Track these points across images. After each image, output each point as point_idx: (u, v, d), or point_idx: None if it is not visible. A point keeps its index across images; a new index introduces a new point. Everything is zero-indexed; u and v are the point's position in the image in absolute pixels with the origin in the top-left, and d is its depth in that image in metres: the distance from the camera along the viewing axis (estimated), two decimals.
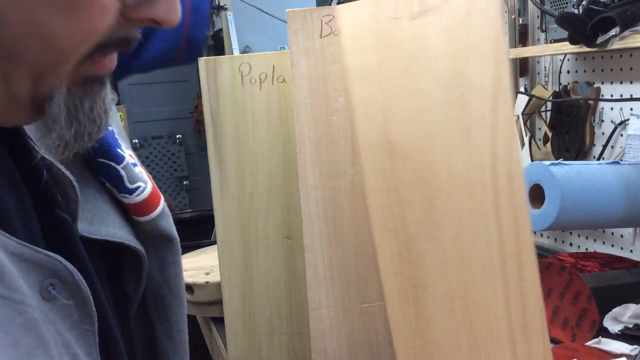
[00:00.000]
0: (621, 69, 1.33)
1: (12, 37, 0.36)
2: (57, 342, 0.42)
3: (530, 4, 1.55)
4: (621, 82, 1.34)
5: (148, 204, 0.56)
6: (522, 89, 1.60)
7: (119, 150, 0.55)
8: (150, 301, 0.58)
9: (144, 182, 0.57)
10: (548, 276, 1.16)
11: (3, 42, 0.36)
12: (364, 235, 0.91)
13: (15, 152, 0.45)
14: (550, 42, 1.41)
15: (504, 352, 0.82)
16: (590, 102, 1.39)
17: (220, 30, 4.75)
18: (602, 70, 1.38)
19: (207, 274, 1.34)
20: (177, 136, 5.37)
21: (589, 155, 1.44)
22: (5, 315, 0.38)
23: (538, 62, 1.60)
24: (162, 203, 0.58)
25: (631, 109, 1.30)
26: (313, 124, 0.91)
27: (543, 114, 1.53)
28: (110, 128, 0.54)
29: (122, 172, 0.54)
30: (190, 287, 1.31)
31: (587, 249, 1.49)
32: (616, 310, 1.12)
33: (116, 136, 0.56)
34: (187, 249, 1.60)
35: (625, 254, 1.37)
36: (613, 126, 1.35)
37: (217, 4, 4.73)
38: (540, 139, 1.57)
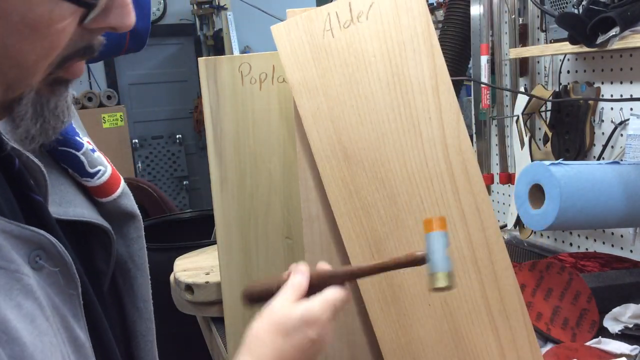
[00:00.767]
0: (621, 69, 1.33)
1: None
2: (49, 305, 0.48)
3: (530, 4, 1.55)
4: (621, 82, 1.34)
5: (109, 186, 0.61)
6: (522, 89, 1.61)
7: (77, 138, 0.60)
8: (118, 275, 0.64)
9: (104, 166, 0.61)
10: (548, 276, 1.16)
11: None
12: None
13: None
14: (550, 42, 1.41)
15: (488, 339, 0.82)
16: (590, 102, 1.39)
17: (220, 30, 4.76)
18: (602, 70, 1.38)
19: (207, 274, 1.34)
20: (177, 136, 5.37)
21: (589, 155, 1.44)
22: (5, 282, 0.45)
23: (538, 62, 1.60)
24: (123, 184, 0.63)
25: (631, 109, 1.30)
26: None
27: (543, 114, 1.53)
28: None
29: (82, 158, 0.60)
30: (190, 287, 1.31)
31: (587, 249, 1.49)
32: (616, 310, 1.12)
33: (73, 125, 0.61)
34: (187, 249, 1.60)
35: (625, 254, 1.37)
36: (613, 126, 1.35)
37: (217, 4, 4.73)
38: (540, 139, 1.57)
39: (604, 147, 1.38)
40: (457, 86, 1.93)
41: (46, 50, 0.44)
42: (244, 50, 4.93)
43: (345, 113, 0.87)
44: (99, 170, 0.61)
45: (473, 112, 1.78)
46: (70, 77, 0.49)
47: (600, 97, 1.39)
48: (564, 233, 1.58)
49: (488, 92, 1.66)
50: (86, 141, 0.62)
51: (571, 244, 1.56)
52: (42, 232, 0.50)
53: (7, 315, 0.44)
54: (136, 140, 5.18)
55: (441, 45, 1.89)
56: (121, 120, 4.29)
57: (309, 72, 0.88)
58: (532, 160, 1.51)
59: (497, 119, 1.71)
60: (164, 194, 3.43)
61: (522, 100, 1.54)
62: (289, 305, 0.67)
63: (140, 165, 5.19)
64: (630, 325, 1.08)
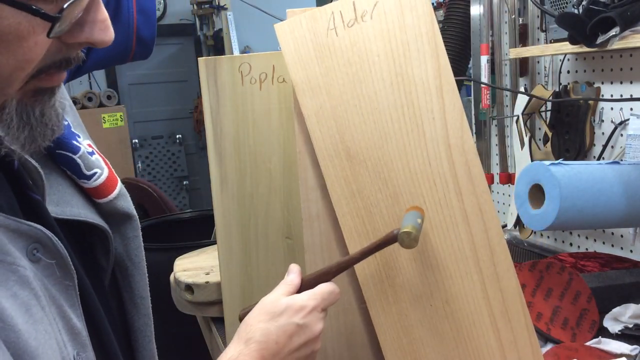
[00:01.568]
0: (621, 69, 1.33)
1: None
2: (45, 295, 0.51)
3: (530, 4, 1.55)
4: (621, 82, 1.34)
5: (105, 187, 0.64)
6: (522, 89, 1.61)
7: (74, 142, 0.62)
8: (117, 272, 0.67)
9: (100, 169, 0.64)
10: (548, 276, 1.16)
11: None
12: None
13: None
14: (550, 42, 1.41)
15: (489, 340, 0.82)
16: (590, 102, 1.39)
17: (220, 30, 4.75)
18: (602, 70, 1.38)
19: (207, 274, 1.34)
20: (177, 136, 5.37)
21: (589, 155, 1.44)
22: (2, 274, 0.48)
23: (538, 62, 1.60)
24: (120, 186, 0.66)
25: (631, 109, 1.30)
26: None
27: (543, 114, 1.53)
28: (65, 122, 0.62)
29: (79, 161, 0.62)
30: (190, 287, 1.31)
31: (587, 249, 1.49)
32: (616, 310, 1.12)
33: (72, 129, 0.64)
34: (187, 249, 1.59)
35: (625, 254, 1.37)
36: (613, 126, 1.35)
37: (217, 4, 4.73)
38: (540, 139, 1.57)
39: (604, 147, 1.38)
40: (457, 86, 1.93)
41: (21, 62, 0.46)
42: (244, 50, 4.93)
43: (349, 112, 0.86)
44: (96, 173, 0.63)
45: (473, 112, 1.78)
46: (49, 85, 0.51)
47: (600, 97, 1.39)
48: (564, 233, 1.58)
49: (488, 92, 1.66)
50: (86, 144, 0.64)
51: (571, 244, 1.56)
52: (38, 226, 0.52)
53: (2, 304, 0.46)
54: (136, 140, 5.18)
55: None
56: (121, 120, 4.29)
57: (312, 70, 0.88)
58: (532, 160, 1.51)
59: (497, 119, 1.71)
60: (164, 194, 3.43)
61: (522, 100, 1.54)
62: (278, 297, 0.73)
63: (140, 165, 5.19)
64: (630, 325, 1.08)
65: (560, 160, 1.09)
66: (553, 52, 1.39)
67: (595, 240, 1.47)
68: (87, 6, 0.48)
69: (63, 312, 0.53)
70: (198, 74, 1.14)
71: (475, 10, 1.70)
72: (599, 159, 1.40)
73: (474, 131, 1.77)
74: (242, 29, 4.81)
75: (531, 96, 1.49)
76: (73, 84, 4.42)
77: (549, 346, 1.06)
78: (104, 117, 4.21)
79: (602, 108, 1.38)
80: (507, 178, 1.71)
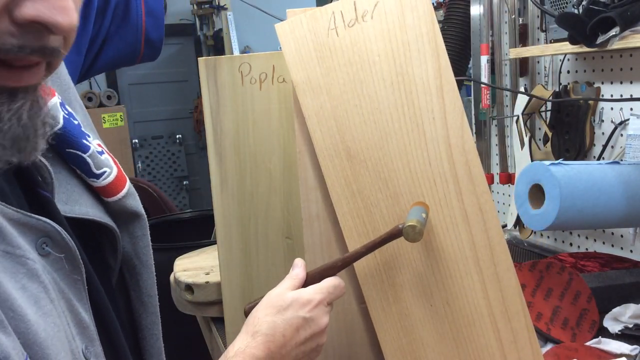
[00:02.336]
0: (621, 69, 1.33)
1: None
2: (54, 289, 0.52)
3: (530, 4, 1.55)
4: (621, 82, 1.34)
5: (114, 186, 0.64)
6: (522, 89, 1.61)
7: (84, 141, 0.62)
8: (125, 271, 0.68)
9: (110, 168, 0.64)
10: (548, 276, 1.16)
11: None
12: None
13: None
14: (550, 42, 1.41)
15: (489, 340, 0.82)
16: (590, 102, 1.39)
17: (220, 30, 4.75)
18: (602, 70, 1.38)
19: (207, 274, 1.34)
20: (177, 136, 5.37)
21: (589, 155, 1.44)
22: (12, 266, 0.48)
23: (538, 62, 1.60)
24: (128, 185, 0.65)
25: (631, 109, 1.30)
26: None
27: (543, 114, 1.53)
28: (75, 122, 0.62)
29: (89, 160, 0.62)
30: (190, 287, 1.31)
31: (587, 249, 1.49)
32: (616, 310, 1.12)
33: (82, 129, 0.63)
34: (187, 249, 1.59)
35: (625, 254, 1.37)
36: (613, 126, 1.35)
37: (217, 4, 4.73)
38: (540, 139, 1.57)
39: (604, 147, 1.38)
40: (457, 86, 1.93)
41: None
42: (244, 50, 4.93)
43: (349, 112, 0.86)
44: (105, 172, 0.63)
45: (473, 112, 1.78)
46: (10, 84, 0.46)
47: (600, 97, 1.39)
48: (564, 233, 1.58)
49: (488, 92, 1.66)
50: (96, 144, 0.64)
51: (571, 244, 1.56)
52: (48, 220, 0.53)
53: (12, 295, 0.46)
54: (136, 140, 5.18)
55: None
56: (121, 120, 4.29)
57: (312, 71, 0.88)
58: (532, 160, 1.51)
59: (497, 119, 1.71)
60: (164, 194, 3.43)
61: (522, 100, 1.54)
62: (284, 291, 0.74)
63: (140, 165, 5.19)
64: (630, 325, 1.08)
65: (560, 160, 1.09)
66: (553, 52, 1.39)
67: (595, 240, 1.47)
68: None
69: (71, 305, 0.54)
70: (198, 74, 1.14)
71: (475, 10, 1.70)
72: (599, 159, 1.40)
73: (474, 131, 1.77)
74: (242, 29, 4.81)
75: (531, 96, 1.49)
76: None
77: (549, 346, 1.06)
78: (104, 117, 4.21)
79: (602, 108, 1.38)
80: (507, 178, 1.71)
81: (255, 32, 4.78)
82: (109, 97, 4.32)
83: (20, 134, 0.47)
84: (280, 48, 0.90)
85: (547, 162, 1.07)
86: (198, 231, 2.18)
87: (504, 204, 1.81)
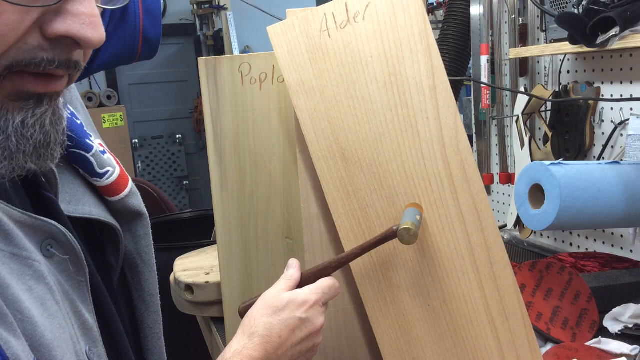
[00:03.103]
0: (621, 69, 1.33)
1: None
2: (59, 290, 0.52)
3: (530, 4, 1.55)
4: (621, 82, 1.34)
5: (117, 186, 0.64)
6: (522, 89, 1.61)
7: (87, 140, 0.62)
8: (127, 270, 0.68)
9: (112, 167, 0.64)
10: (548, 276, 1.16)
11: None
12: None
13: None
14: (550, 42, 1.41)
15: (487, 339, 0.82)
16: (590, 102, 1.39)
17: (220, 30, 4.76)
18: (602, 70, 1.38)
19: (207, 274, 1.34)
20: (177, 136, 5.37)
21: (589, 155, 1.44)
22: (18, 268, 0.48)
23: (538, 62, 1.60)
24: (131, 184, 0.66)
25: (631, 109, 1.30)
26: None
27: (543, 114, 1.53)
28: (78, 122, 0.62)
29: (92, 160, 0.63)
30: (190, 287, 1.31)
31: (587, 249, 1.49)
32: (616, 310, 1.12)
33: (85, 129, 0.64)
34: (187, 249, 1.59)
35: (625, 254, 1.37)
36: (613, 126, 1.35)
37: (217, 4, 4.73)
38: (540, 139, 1.57)
39: (604, 147, 1.38)
40: (458, 86, 1.93)
41: None
42: (244, 50, 4.93)
43: (343, 113, 0.86)
44: (108, 171, 0.64)
45: (473, 112, 1.78)
46: (36, 90, 0.47)
47: (600, 97, 1.39)
48: (564, 233, 1.58)
49: (488, 92, 1.66)
50: (98, 143, 0.64)
51: (571, 244, 1.56)
52: (52, 222, 0.53)
53: (20, 297, 0.47)
54: (136, 140, 5.18)
55: (441, 45, 1.89)
56: (121, 120, 4.29)
57: (305, 72, 0.88)
58: (532, 160, 1.51)
59: (497, 119, 1.71)
60: (164, 194, 3.43)
61: (522, 100, 1.54)
62: (280, 292, 0.74)
63: (140, 165, 5.19)
64: (630, 325, 1.08)
65: (560, 160, 1.09)
66: (553, 52, 1.39)
67: (595, 240, 1.47)
68: None
69: (76, 307, 0.54)
70: (198, 74, 1.14)
71: (475, 10, 1.70)
72: (599, 159, 1.40)
73: (474, 131, 1.77)
74: (242, 29, 4.81)
75: (531, 96, 1.49)
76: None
77: (549, 346, 1.06)
78: (104, 117, 4.21)
79: (602, 108, 1.38)
80: (507, 178, 1.71)
81: (255, 32, 4.78)
82: (109, 97, 4.32)
83: (41, 140, 0.48)
84: (274, 50, 0.91)
85: (547, 162, 1.07)
86: (198, 231, 2.18)
87: (504, 204, 1.81)
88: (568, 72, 1.48)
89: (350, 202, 0.87)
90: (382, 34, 0.84)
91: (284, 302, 0.72)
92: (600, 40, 1.18)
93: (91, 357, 0.54)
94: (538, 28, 1.56)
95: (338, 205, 0.88)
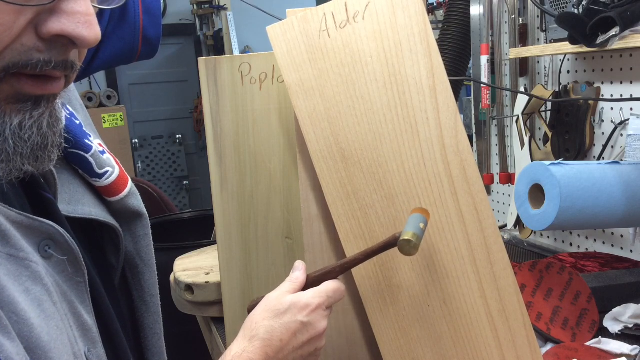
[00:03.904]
0: (621, 69, 1.33)
1: None
2: (57, 291, 0.51)
3: (530, 4, 1.55)
4: (621, 82, 1.34)
5: (116, 186, 0.64)
6: (522, 89, 1.61)
7: (86, 140, 0.62)
8: (127, 270, 0.68)
9: (112, 167, 0.64)
10: (548, 276, 1.16)
11: None
12: None
13: None
14: (550, 42, 1.41)
15: (487, 340, 0.82)
16: (590, 102, 1.39)
17: (220, 30, 4.75)
18: (602, 70, 1.38)
19: (207, 274, 1.34)
20: (177, 136, 5.37)
21: (589, 155, 1.44)
22: (15, 269, 0.48)
23: (538, 62, 1.60)
24: (130, 184, 0.66)
25: (631, 109, 1.30)
26: None
27: (543, 114, 1.53)
28: (77, 122, 0.62)
29: (91, 160, 0.62)
30: (190, 287, 1.31)
31: (587, 249, 1.49)
32: (616, 310, 1.12)
33: (84, 129, 0.63)
34: (187, 249, 1.59)
35: (625, 254, 1.37)
36: (613, 126, 1.35)
37: (217, 4, 4.73)
38: (540, 139, 1.57)
39: (604, 147, 1.38)
40: (458, 86, 1.93)
41: None
42: (244, 50, 4.93)
43: (342, 114, 0.86)
44: (107, 172, 0.63)
45: (473, 112, 1.78)
46: (34, 92, 0.47)
47: (600, 97, 1.39)
48: (564, 233, 1.58)
49: (488, 92, 1.66)
50: (97, 143, 0.64)
51: (571, 244, 1.56)
52: (50, 223, 0.52)
53: (16, 298, 0.46)
54: (136, 140, 5.18)
55: (441, 45, 1.88)
56: (121, 120, 4.29)
57: (305, 73, 0.88)
58: (532, 160, 1.51)
59: (497, 119, 1.72)
60: (164, 194, 3.43)
61: (522, 100, 1.54)
62: (283, 295, 0.73)
63: (140, 165, 5.19)
64: (630, 325, 1.08)
65: (560, 160, 1.09)
66: (553, 52, 1.39)
67: (595, 240, 1.47)
68: None
69: (74, 308, 0.54)
70: (198, 74, 1.14)
71: (475, 10, 1.70)
72: (599, 159, 1.40)
73: (474, 131, 1.77)
74: (242, 29, 4.81)
75: (531, 96, 1.49)
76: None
77: (549, 346, 1.06)
78: (104, 117, 4.21)
79: (602, 108, 1.38)
80: (507, 178, 1.71)
81: (255, 32, 4.78)
82: (109, 97, 4.32)
83: (39, 142, 0.49)
84: (273, 50, 0.90)
85: (547, 162, 1.07)
86: (198, 231, 2.18)
87: (504, 204, 1.81)
88: (568, 72, 1.48)
89: (350, 202, 0.87)
90: (382, 34, 0.84)
91: (286, 305, 0.71)
92: (600, 40, 1.18)
93: (90, 358, 0.54)
94: (538, 28, 1.56)
95: (338, 206, 0.88)
